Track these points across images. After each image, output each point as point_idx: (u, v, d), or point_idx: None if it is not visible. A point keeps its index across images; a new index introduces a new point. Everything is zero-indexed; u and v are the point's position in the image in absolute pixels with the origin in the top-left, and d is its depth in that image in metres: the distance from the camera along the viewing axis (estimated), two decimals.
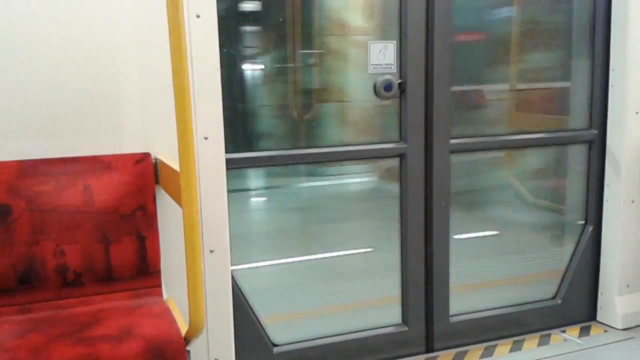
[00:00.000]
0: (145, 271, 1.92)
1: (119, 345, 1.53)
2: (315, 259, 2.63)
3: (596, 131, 2.96)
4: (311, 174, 2.62)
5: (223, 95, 2.13)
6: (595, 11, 2.87)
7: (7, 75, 1.86)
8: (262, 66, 2.42)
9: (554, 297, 3.03)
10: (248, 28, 2.40)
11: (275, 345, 2.54)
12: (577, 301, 3.05)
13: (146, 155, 1.96)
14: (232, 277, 2.30)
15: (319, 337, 2.61)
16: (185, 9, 1.99)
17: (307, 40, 2.48)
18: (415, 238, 2.69)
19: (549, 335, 2.93)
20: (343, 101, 2.57)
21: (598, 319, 3.07)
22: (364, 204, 2.72)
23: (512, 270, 2.98)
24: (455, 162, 2.71)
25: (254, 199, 2.57)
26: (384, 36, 2.54)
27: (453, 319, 2.80)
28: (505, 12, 2.80)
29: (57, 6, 1.89)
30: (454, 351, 2.77)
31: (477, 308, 2.87)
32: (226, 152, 2.17)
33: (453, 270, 2.76)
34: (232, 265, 2.25)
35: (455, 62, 2.63)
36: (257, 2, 2.39)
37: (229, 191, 2.19)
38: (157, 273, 1.94)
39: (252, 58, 2.41)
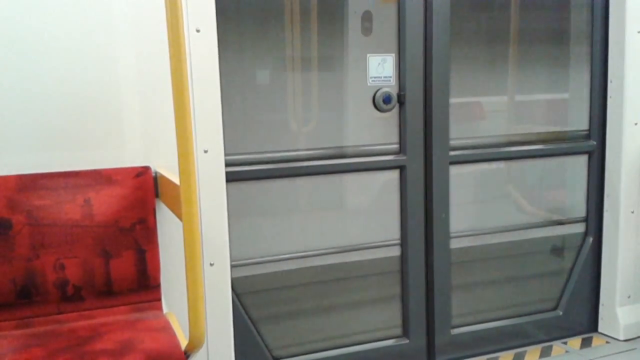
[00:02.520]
0: (145, 285, 1.91)
1: (119, 359, 1.52)
2: None
3: (595, 142, 2.96)
4: None
5: None
6: (593, 22, 2.89)
7: (7, 89, 1.87)
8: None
9: (555, 309, 3.03)
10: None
11: (276, 358, 2.53)
12: (579, 312, 3.04)
13: (146, 168, 1.96)
14: (233, 290, 2.29)
15: (320, 350, 2.60)
16: (185, 24, 2.00)
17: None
18: (416, 250, 2.69)
19: (551, 346, 2.92)
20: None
21: (600, 330, 3.06)
22: None
23: (513, 282, 2.97)
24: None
25: None
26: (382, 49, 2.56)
27: (454, 331, 2.79)
28: (502, 21, 2.82)
29: (57, 20, 1.90)
30: None
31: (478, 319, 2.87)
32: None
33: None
34: None
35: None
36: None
37: None
38: (157, 287, 1.94)
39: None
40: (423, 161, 2.66)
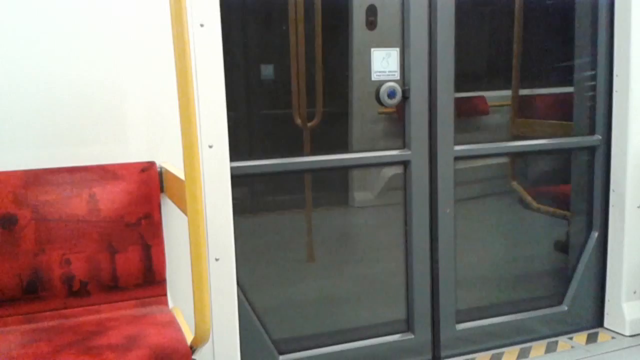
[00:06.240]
0: (150, 280, 1.92)
1: (125, 354, 1.53)
2: None
3: (600, 137, 2.95)
4: None
5: None
6: (598, 17, 2.87)
7: (12, 85, 1.87)
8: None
9: (560, 304, 3.02)
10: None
11: (281, 353, 2.53)
12: (584, 308, 3.03)
13: (151, 163, 1.96)
14: (238, 285, 2.29)
15: (325, 345, 2.60)
16: (190, 18, 2.00)
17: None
18: (421, 245, 2.68)
19: (556, 342, 2.91)
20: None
21: (605, 325, 3.05)
22: None
23: (519, 277, 2.97)
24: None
25: None
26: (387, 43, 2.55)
27: (459, 326, 2.79)
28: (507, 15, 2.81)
29: (62, 17, 1.90)
30: (460, 359, 2.76)
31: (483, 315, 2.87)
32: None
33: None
34: None
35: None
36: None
37: None
38: (162, 282, 1.94)
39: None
40: (427, 156, 2.66)
